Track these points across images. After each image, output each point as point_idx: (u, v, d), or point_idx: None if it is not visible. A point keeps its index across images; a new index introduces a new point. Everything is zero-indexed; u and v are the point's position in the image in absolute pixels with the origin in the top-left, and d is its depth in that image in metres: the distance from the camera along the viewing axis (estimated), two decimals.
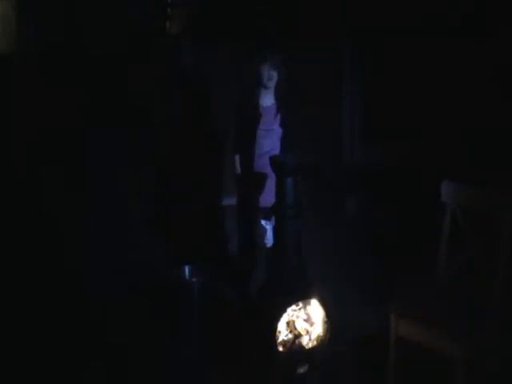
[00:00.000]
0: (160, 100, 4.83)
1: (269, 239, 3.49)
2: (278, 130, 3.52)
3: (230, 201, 4.10)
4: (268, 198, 3.39)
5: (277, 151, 3.51)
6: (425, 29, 4.87)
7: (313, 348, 3.00)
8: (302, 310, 3.02)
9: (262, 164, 3.41)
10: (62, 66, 4.48)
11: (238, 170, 3.59)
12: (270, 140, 3.49)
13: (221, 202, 4.67)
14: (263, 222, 3.49)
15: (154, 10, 5.14)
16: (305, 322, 3.03)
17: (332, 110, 5.36)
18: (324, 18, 5.03)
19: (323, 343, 3.00)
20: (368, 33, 5.10)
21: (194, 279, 3.44)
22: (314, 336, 3.02)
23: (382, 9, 4.98)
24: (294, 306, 2.97)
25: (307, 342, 3.02)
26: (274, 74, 3.42)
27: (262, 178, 3.45)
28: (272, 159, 3.03)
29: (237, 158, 3.57)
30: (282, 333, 2.97)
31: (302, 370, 2.94)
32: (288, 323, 2.99)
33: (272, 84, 3.45)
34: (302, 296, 2.97)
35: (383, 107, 5.19)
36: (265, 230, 3.50)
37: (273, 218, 3.44)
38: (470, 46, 4.65)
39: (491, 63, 4.59)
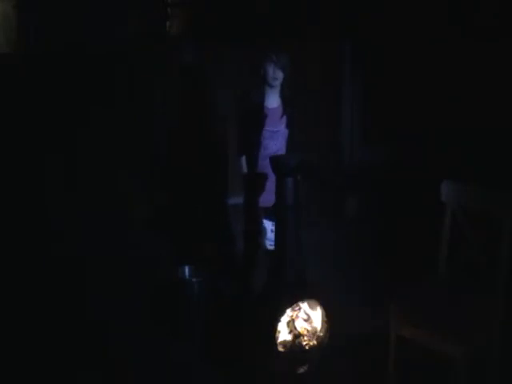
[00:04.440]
0: (161, 100, 4.83)
1: (270, 239, 3.48)
2: (283, 132, 3.49)
3: (236, 200, 4.09)
4: (272, 198, 3.38)
5: (283, 153, 3.49)
6: (425, 29, 4.87)
7: (313, 348, 3.00)
8: (302, 310, 3.02)
9: (267, 165, 3.39)
10: (61, 65, 4.48)
11: (245, 170, 3.55)
12: (275, 141, 3.46)
13: (225, 202, 4.67)
14: (265, 222, 3.48)
15: (154, 10, 5.14)
16: (305, 321, 3.03)
17: (332, 110, 5.36)
18: (325, 17, 5.04)
19: (323, 343, 2.99)
20: (368, 33, 5.10)
21: (194, 279, 3.43)
22: (313, 336, 3.02)
23: (383, 9, 4.98)
24: (293, 306, 2.96)
25: (307, 341, 3.02)
26: (280, 74, 3.36)
27: (267, 178, 3.43)
28: (272, 159, 3.02)
29: (243, 158, 3.54)
30: (282, 333, 2.97)
31: (301, 370, 2.94)
32: (288, 323, 2.99)
33: (277, 83, 3.40)
34: (302, 296, 2.96)
35: (383, 107, 5.19)
36: (265, 230, 3.50)
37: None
38: (470, 47, 4.66)
39: (491, 64, 4.59)
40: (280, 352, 2.92)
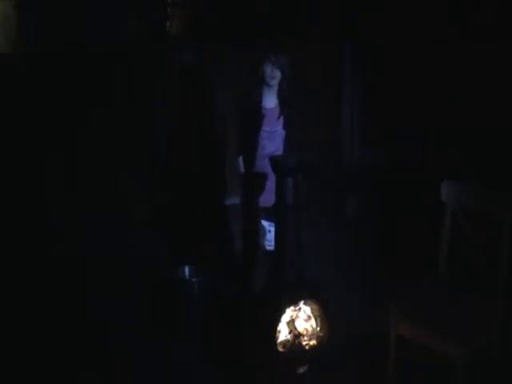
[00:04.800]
0: (161, 100, 4.83)
1: (268, 240, 3.48)
2: (281, 132, 3.49)
3: (233, 200, 4.09)
4: (272, 198, 3.38)
5: (280, 153, 3.49)
6: (425, 29, 4.87)
7: (313, 348, 3.00)
8: (302, 309, 3.02)
9: (265, 165, 3.38)
10: (61, 65, 4.48)
11: (242, 171, 3.56)
12: (272, 142, 3.46)
13: (224, 202, 4.67)
14: (263, 223, 3.48)
15: (154, 10, 5.15)
16: (305, 322, 3.03)
17: (332, 110, 5.36)
18: (325, 17, 5.04)
19: (323, 343, 2.99)
20: (368, 33, 5.10)
21: (194, 279, 3.43)
22: (313, 336, 3.02)
23: (383, 9, 4.98)
24: (293, 306, 2.96)
25: (307, 341, 3.02)
26: (278, 74, 3.37)
27: (265, 179, 3.43)
28: (272, 159, 3.02)
29: (240, 159, 3.55)
30: (282, 333, 2.97)
31: (301, 370, 2.94)
32: (288, 323, 2.99)
33: (275, 83, 3.40)
34: (302, 296, 2.96)
35: (383, 107, 5.19)
36: (264, 231, 3.50)
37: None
38: (470, 47, 4.66)
39: (491, 64, 4.59)
40: (280, 352, 2.92)
